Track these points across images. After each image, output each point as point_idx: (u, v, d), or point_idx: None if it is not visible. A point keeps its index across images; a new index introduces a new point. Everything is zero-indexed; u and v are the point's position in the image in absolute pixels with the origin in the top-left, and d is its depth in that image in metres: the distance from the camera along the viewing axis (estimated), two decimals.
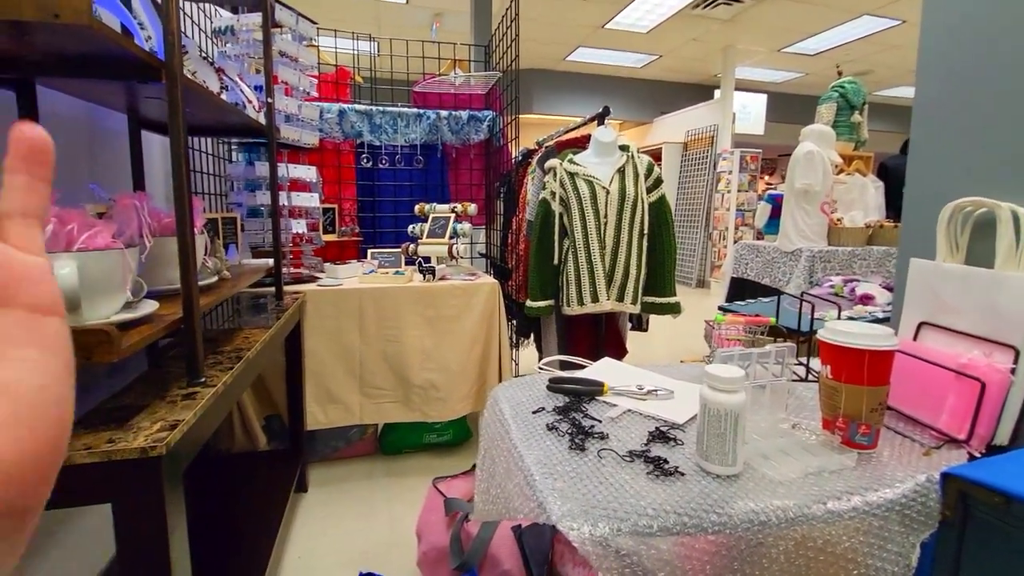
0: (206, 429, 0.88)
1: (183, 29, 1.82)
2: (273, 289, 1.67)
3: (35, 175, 0.20)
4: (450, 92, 2.97)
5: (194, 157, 1.93)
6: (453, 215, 2.32)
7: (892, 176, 3.30)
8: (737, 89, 6.88)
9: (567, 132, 2.54)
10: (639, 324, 2.34)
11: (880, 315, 1.60)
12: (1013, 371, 0.81)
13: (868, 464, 0.76)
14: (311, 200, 2.05)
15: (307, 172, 2.06)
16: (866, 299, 1.70)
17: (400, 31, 5.78)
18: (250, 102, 1.69)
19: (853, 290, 1.79)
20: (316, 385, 1.86)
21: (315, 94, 2.18)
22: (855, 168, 3.14)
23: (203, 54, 1.96)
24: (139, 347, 0.82)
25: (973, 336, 0.88)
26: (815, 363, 1.05)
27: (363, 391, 1.91)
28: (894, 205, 3.26)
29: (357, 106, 2.68)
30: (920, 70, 1.03)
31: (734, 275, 3.16)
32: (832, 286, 1.94)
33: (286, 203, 1.96)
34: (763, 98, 7.69)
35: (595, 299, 1.92)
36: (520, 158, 2.63)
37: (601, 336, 2.10)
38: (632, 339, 2.41)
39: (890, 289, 1.77)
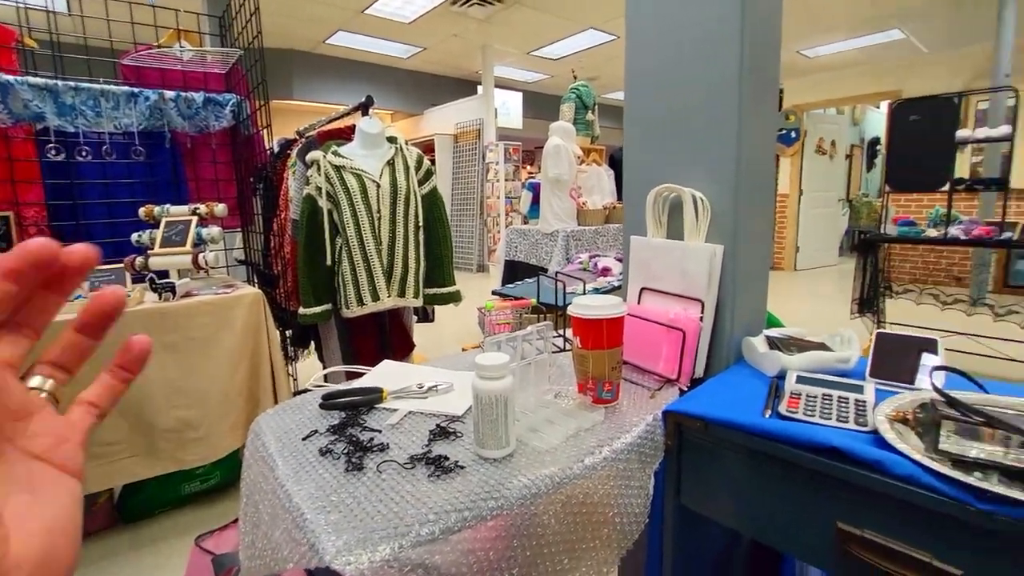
0: None
1: None
2: None
3: None
4: (177, 68, 2.47)
5: None
6: (196, 218, 1.96)
7: (619, 165, 3.99)
8: (497, 86, 7.42)
9: (330, 121, 2.37)
10: (425, 316, 2.35)
11: (616, 284, 1.92)
12: (701, 319, 1.04)
13: (613, 416, 0.89)
14: None
15: None
16: (606, 271, 2.02)
17: None
18: None
19: (596, 264, 2.11)
20: None
21: None
22: (593, 159, 3.69)
23: None
24: None
25: (675, 295, 1.10)
26: (570, 333, 1.19)
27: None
28: (622, 189, 3.96)
29: (31, 79, 2.02)
30: (626, 78, 1.24)
31: (507, 258, 3.42)
32: (581, 262, 2.24)
33: None
34: (519, 96, 8.47)
35: (376, 297, 1.85)
36: (278, 150, 2.36)
37: (387, 334, 2.04)
38: (419, 331, 2.41)
39: (622, 261, 2.14)
